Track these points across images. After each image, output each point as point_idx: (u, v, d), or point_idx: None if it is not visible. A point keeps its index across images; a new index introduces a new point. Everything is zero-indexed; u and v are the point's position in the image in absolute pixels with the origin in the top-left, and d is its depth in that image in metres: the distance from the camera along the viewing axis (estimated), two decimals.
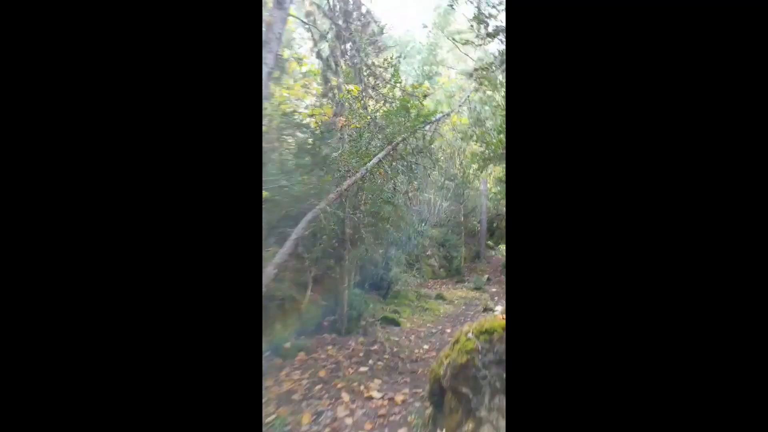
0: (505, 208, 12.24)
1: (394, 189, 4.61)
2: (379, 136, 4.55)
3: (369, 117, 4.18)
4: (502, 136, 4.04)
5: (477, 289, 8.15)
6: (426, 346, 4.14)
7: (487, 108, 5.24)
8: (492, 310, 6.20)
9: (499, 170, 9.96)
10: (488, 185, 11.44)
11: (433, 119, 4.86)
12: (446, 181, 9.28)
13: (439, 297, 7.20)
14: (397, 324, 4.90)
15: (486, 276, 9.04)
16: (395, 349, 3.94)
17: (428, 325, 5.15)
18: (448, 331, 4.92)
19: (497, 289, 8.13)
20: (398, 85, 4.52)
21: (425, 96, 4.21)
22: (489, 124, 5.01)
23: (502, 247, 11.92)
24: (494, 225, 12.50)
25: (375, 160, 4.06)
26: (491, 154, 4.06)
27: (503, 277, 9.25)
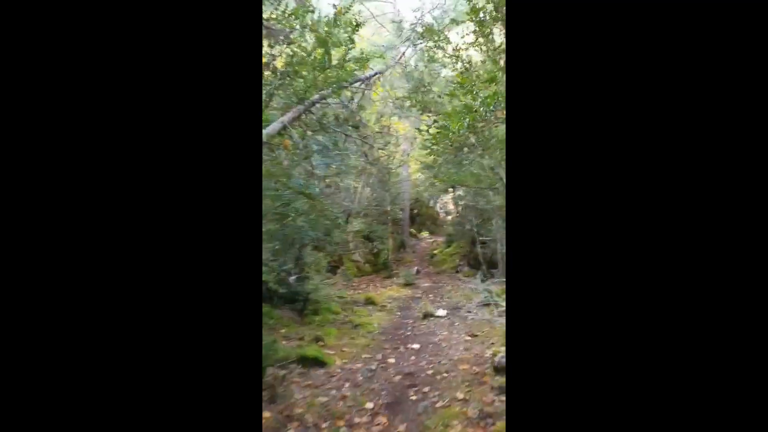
0: (425, 194, 11.37)
1: (312, 173, 2.99)
2: (281, 93, 2.83)
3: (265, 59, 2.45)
4: (468, 101, 2.66)
5: (408, 285, 7.01)
6: (370, 404, 2.71)
7: (437, 67, 3.85)
8: (432, 315, 5.04)
9: (422, 154, 8.84)
10: (409, 170, 10.35)
11: (364, 76, 3.29)
12: (368, 165, 7.84)
13: (369, 301, 5.84)
14: (321, 363, 3.37)
15: (415, 268, 7.97)
16: (323, 426, 2.42)
17: (363, 355, 3.71)
18: (391, 361, 3.56)
19: (429, 284, 7.10)
20: (310, 14, 2.83)
21: (357, 26, 2.61)
22: (435, 89, 3.65)
23: (425, 234, 11.07)
24: (414, 212, 11.58)
25: (276, 125, 2.37)
26: (449, 131, 2.67)
27: (431, 268, 8.31)
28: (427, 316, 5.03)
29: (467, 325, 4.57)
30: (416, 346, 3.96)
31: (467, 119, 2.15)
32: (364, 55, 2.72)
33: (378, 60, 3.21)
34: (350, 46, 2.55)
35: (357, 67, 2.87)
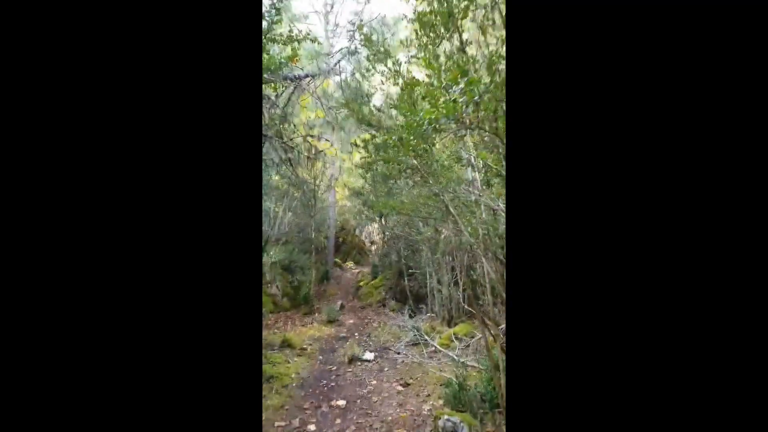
0: (352, 221, 10.92)
1: None
2: None
3: None
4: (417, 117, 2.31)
5: (331, 322, 6.28)
6: None
7: (372, 81, 3.48)
8: (359, 359, 4.43)
9: (350, 180, 8.44)
10: (336, 196, 9.85)
11: (293, 74, 2.76)
12: (292, 187, 7.12)
13: (287, 344, 4.98)
14: None
15: (339, 302, 7.29)
16: None
17: (276, 423, 2.91)
18: (311, 428, 2.84)
19: (354, 320, 6.47)
20: None
21: None
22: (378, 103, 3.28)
23: (350, 264, 10.48)
24: (340, 240, 10.98)
25: None
26: (409, 129, 2.29)
27: (356, 301, 7.71)
28: (353, 360, 4.40)
29: (398, 371, 4.06)
30: (342, 402, 3.30)
31: (443, 110, 1.74)
32: (293, 35, 2.10)
33: (309, 60, 2.70)
34: (275, 17, 1.93)
35: (285, 60, 2.30)
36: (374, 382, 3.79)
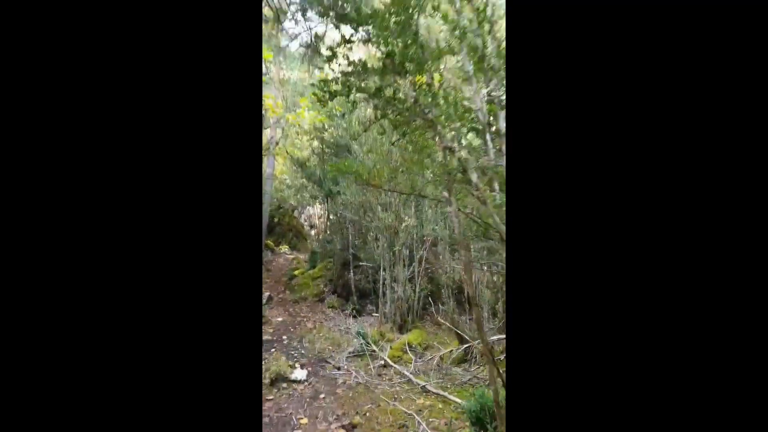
0: (292, 200, 9.43)
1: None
2: None
3: None
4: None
5: None
6: None
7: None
8: (287, 378, 3.20)
9: (296, 151, 6.99)
10: (275, 167, 8.29)
11: None
12: None
13: None
14: None
15: (267, 294, 5.89)
16: None
17: None
18: None
19: (284, 317, 5.17)
20: None
21: None
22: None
23: (285, 248, 9.00)
24: (275, 220, 9.42)
25: None
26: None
27: (288, 293, 6.38)
28: (277, 380, 3.16)
29: (338, 399, 2.94)
30: None
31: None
32: None
33: None
34: None
35: None
36: (304, 420, 2.62)
